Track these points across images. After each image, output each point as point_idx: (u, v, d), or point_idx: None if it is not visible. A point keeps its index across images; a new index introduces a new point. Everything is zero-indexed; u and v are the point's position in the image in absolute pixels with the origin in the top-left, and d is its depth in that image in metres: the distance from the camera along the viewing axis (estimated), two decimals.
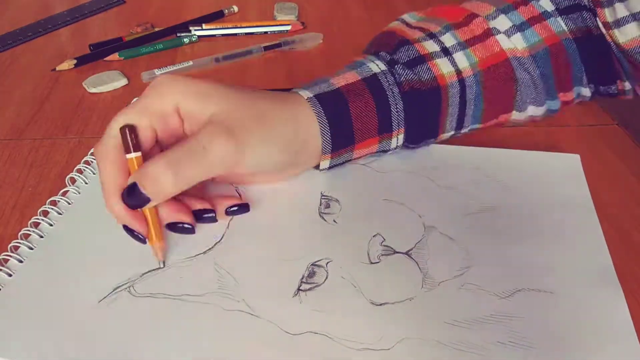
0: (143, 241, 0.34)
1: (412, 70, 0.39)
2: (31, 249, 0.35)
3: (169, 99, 0.34)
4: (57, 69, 0.56)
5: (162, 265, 0.35)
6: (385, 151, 0.42)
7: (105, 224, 0.37)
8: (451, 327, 0.32)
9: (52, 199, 0.38)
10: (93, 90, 0.52)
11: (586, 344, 0.31)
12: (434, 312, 0.33)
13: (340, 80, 0.39)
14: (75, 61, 0.56)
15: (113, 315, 0.32)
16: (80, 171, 0.41)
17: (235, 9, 0.69)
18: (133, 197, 0.33)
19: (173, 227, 0.35)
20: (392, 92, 0.39)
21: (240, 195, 0.40)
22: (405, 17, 0.45)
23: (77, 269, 0.34)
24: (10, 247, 0.35)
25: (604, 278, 0.35)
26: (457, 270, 0.35)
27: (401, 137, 0.41)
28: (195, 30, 0.62)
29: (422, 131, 0.41)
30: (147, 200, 0.33)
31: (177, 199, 0.35)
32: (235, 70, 0.57)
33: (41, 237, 0.36)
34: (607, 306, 0.33)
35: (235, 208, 0.37)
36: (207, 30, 0.63)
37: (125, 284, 0.34)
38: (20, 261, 0.34)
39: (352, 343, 0.31)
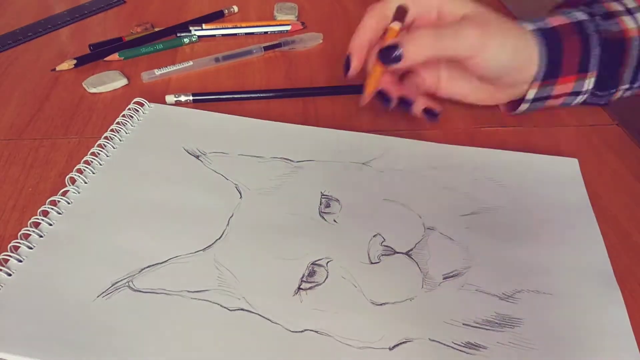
0: (347, 73, 0.45)
1: (607, 22, 0.45)
2: (31, 248, 0.35)
3: (435, 0, 0.44)
4: (57, 69, 0.56)
5: (362, 103, 0.45)
6: (577, 94, 0.47)
7: (105, 224, 0.37)
8: (451, 328, 0.32)
9: (52, 198, 0.38)
10: (93, 90, 0.52)
11: (584, 345, 0.31)
12: (434, 312, 0.33)
13: (555, 20, 0.45)
14: (75, 61, 0.56)
15: (112, 311, 0.32)
16: (80, 171, 0.41)
17: (235, 9, 0.69)
18: (388, 53, 0.41)
19: (382, 96, 0.45)
20: (594, 38, 0.45)
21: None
22: None
23: (77, 268, 0.34)
24: (10, 247, 0.35)
25: (602, 279, 0.35)
26: (457, 270, 0.35)
27: (593, 80, 0.46)
28: (195, 30, 0.62)
29: (608, 77, 0.46)
30: (399, 59, 0.41)
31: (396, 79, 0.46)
32: (235, 70, 0.57)
33: (41, 237, 0.36)
34: (605, 307, 0.33)
35: (429, 111, 0.46)
36: (207, 30, 0.63)
37: (124, 279, 0.34)
38: (20, 261, 0.34)
39: (353, 342, 0.31)
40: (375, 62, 0.43)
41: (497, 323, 0.32)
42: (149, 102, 0.49)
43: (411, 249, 0.36)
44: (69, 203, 0.39)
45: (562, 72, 0.45)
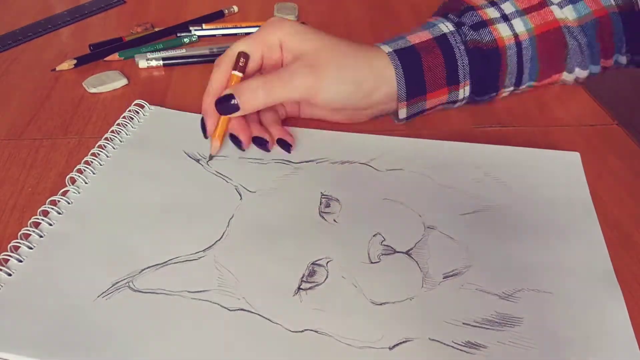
0: (205, 134, 0.43)
1: (476, 32, 0.45)
2: (31, 248, 0.35)
3: (277, 35, 0.43)
4: (57, 69, 0.56)
5: (209, 159, 0.43)
6: (454, 102, 0.47)
7: (105, 224, 0.37)
8: (451, 327, 0.32)
9: (51, 198, 0.38)
10: (93, 90, 0.52)
11: (585, 344, 0.31)
12: (434, 311, 0.33)
13: (415, 38, 0.45)
14: (75, 61, 0.56)
15: (113, 311, 0.32)
16: (80, 171, 0.41)
17: (235, 9, 0.69)
18: (225, 104, 0.42)
19: (234, 139, 0.44)
20: (459, 49, 0.45)
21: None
22: None
23: (77, 268, 0.34)
24: (10, 247, 0.35)
25: (603, 278, 0.35)
26: (457, 269, 0.35)
27: (467, 89, 0.46)
28: (195, 30, 0.62)
29: (485, 84, 0.47)
30: (236, 109, 0.42)
31: (245, 121, 0.44)
32: None
33: (41, 236, 0.36)
34: (606, 306, 0.33)
35: (282, 142, 0.44)
36: (207, 30, 0.63)
37: (125, 279, 0.34)
38: (20, 261, 0.34)
39: (353, 341, 0.31)
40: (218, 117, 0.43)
41: (497, 322, 0.32)
42: (149, 103, 0.49)
43: (411, 248, 0.36)
44: (69, 203, 0.39)
45: (427, 88, 0.44)
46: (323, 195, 0.40)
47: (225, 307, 0.32)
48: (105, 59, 0.57)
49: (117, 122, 0.46)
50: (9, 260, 0.34)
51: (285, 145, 0.44)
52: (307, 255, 0.35)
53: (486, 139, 0.47)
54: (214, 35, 0.63)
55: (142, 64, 0.56)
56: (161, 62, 0.57)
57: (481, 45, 0.45)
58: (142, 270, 0.34)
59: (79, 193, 0.40)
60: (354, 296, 0.33)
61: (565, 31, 0.46)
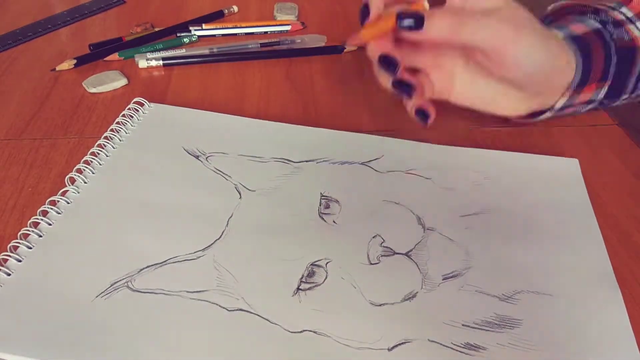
0: (363, 20, 0.41)
1: (618, 30, 0.43)
2: (30, 248, 0.35)
3: None
4: (57, 69, 0.56)
5: (342, 49, 0.42)
6: (590, 102, 0.45)
7: (104, 224, 0.37)
8: (450, 329, 0.32)
9: (51, 198, 0.38)
10: (93, 90, 0.52)
11: (584, 345, 0.31)
12: (434, 313, 0.33)
13: (577, 28, 0.43)
14: (75, 61, 0.56)
15: (111, 311, 0.32)
16: (80, 171, 0.41)
17: (235, 9, 0.69)
18: (410, 15, 0.38)
19: (384, 60, 0.40)
20: (612, 47, 0.43)
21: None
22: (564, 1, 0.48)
23: (76, 268, 0.34)
24: (10, 247, 0.35)
25: (602, 280, 0.35)
26: (457, 271, 0.35)
27: (605, 89, 0.44)
28: (195, 30, 0.62)
29: (618, 86, 0.44)
30: (419, 25, 0.38)
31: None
32: (236, 70, 0.57)
33: (40, 236, 0.36)
34: (606, 308, 0.33)
35: (423, 112, 0.42)
36: (207, 30, 0.63)
37: (123, 279, 0.34)
38: (20, 261, 0.34)
39: (351, 342, 0.31)
40: (389, 16, 0.39)
41: (496, 324, 0.32)
42: (148, 101, 0.49)
43: (411, 250, 0.36)
44: (68, 203, 0.39)
45: (589, 80, 0.43)
46: (323, 196, 0.40)
47: (224, 308, 0.32)
48: (105, 58, 0.57)
49: (116, 120, 0.46)
50: (8, 260, 0.34)
51: (424, 117, 0.42)
52: (306, 256, 0.35)
53: (486, 139, 0.47)
54: (213, 35, 0.63)
55: (142, 63, 0.56)
56: (161, 62, 0.57)
57: (622, 43, 0.43)
58: (141, 269, 0.34)
59: (78, 193, 0.40)
60: (353, 297, 0.33)
61: None
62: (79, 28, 0.65)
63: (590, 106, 0.45)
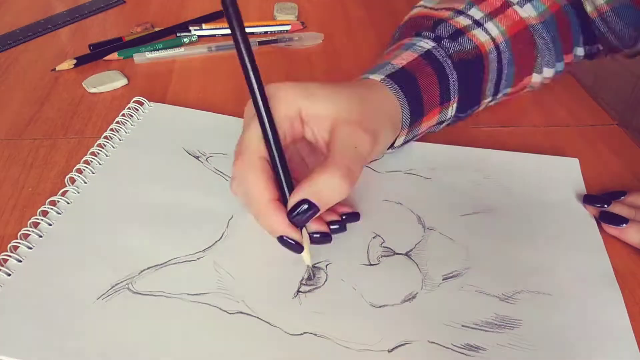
0: (300, 250, 0.33)
1: (457, 42, 0.42)
2: (30, 248, 0.35)
3: (293, 105, 0.35)
4: (57, 69, 0.56)
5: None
6: (441, 123, 0.44)
7: (104, 224, 0.37)
8: (450, 329, 0.32)
9: (51, 198, 0.38)
10: (93, 90, 0.52)
11: (584, 345, 0.31)
12: (434, 313, 0.33)
13: (401, 60, 0.41)
14: (75, 61, 0.56)
15: (112, 313, 0.32)
16: (80, 171, 0.41)
17: None
18: (302, 213, 0.32)
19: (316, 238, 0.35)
20: (448, 64, 0.42)
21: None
22: (423, 3, 0.48)
23: (76, 268, 0.34)
24: (10, 247, 0.35)
25: (602, 280, 0.35)
26: (457, 271, 0.35)
27: (454, 106, 0.43)
28: (195, 30, 0.62)
29: (470, 98, 0.44)
30: (317, 212, 0.32)
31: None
32: (235, 70, 0.57)
33: (40, 237, 0.36)
34: (606, 308, 0.33)
35: (344, 217, 0.37)
36: (207, 30, 0.63)
37: (124, 281, 0.34)
38: (20, 261, 0.34)
39: (352, 344, 0.31)
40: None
41: (496, 324, 0.32)
42: (148, 101, 0.49)
43: (411, 250, 0.36)
44: (68, 203, 0.39)
45: (424, 111, 0.41)
46: None
47: (224, 310, 0.32)
48: (105, 58, 0.57)
49: (116, 120, 0.46)
50: (8, 260, 0.34)
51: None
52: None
53: (486, 139, 0.47)
54: (213, 35, 0.63)
55: (138, 58, 0.57)
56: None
57: (464, 55, 0.42)
58: (142, 271, 0.34)
59: (78, 193, 0.40)
60: (353, 299, 0.33)
61: (531, 30, 0.44)
62: (79, 28, 0.65)
63: (445, 124, 0.44)
